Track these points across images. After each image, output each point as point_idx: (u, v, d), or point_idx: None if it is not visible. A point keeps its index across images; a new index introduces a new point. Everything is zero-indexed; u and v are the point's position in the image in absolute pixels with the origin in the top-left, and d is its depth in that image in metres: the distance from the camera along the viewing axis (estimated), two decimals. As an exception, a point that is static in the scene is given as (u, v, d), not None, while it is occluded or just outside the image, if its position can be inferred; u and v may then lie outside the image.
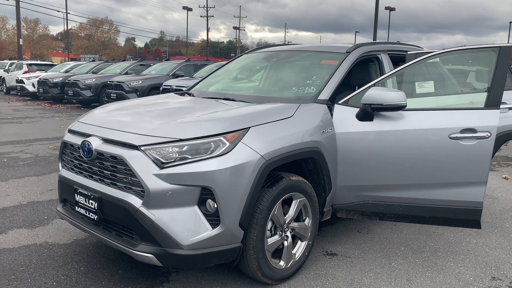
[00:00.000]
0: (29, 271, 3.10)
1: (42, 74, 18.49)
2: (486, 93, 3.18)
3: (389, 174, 3.27)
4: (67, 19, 39.54)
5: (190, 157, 2.58)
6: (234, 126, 2.72)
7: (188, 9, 54.15)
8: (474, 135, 3.09)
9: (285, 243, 3.03)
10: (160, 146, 2.61)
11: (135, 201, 2.58)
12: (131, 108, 3.40)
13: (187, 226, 2.56)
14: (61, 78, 16.70)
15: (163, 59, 20.56)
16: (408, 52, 4.09)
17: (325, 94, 3.37)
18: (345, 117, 3.30)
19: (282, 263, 3.02)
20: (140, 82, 13.60)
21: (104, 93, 14.39)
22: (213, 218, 2.59)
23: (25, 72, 20.88)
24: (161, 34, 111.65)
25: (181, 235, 2.54)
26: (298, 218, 3.16)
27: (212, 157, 2.58)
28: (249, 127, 2.75)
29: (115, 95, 13.48)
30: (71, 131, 3.18)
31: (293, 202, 3.05)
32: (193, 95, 4.00)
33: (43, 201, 4.67)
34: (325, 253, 3.54)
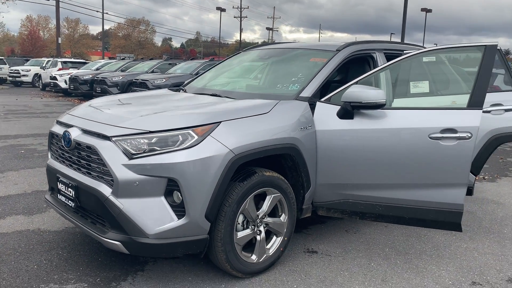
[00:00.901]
0: (15, 254, 3.26)
1: (74, 71, 19.13)
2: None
3: (369, 173, 3.24)
4: (103, 19, 40.72)
5: (158, 149, 2.65)
6: (204, 120, 2.77)
7: (222, 10, 54.67)
8: (454, 135, 3.02)
9: (258, 237, 3.06)
10: (130, 137, 2.69)
11: (106, 190, 2.67)
12: (119, 101, 3.52)
13: (153, 215, 2.64)
14: (90, 76, 17.22)
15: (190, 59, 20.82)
16: (404, 52, 4.03)
17: (308, 92, 3.37)
18: (326, 115, 3.29)
19: (254, 257, 3.04)
20: (164, 80, 13.86)
21: (130, 90, 14.76)
22: (179, 209, 2.66)
23: (59, 69, 21.67)
24: (197, 35, 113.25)
25: (147, 224, 2.62)
26: (274, 213, 3.18)
27: (179, 150, 2.64)
28: (220, 122, 2.80)
29: (139, 92, 13.79)
30: (59, 122, 3.32)
31: (267, 197, 3.07)
32: (185, 91, 4.09)
33: (47, 191, 4.86)
34: (305, 250, 3.54)
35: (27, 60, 29.30)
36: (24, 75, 25.54)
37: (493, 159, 7.93)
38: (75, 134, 2.93)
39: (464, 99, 3.10)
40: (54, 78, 19.65)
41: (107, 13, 60.24)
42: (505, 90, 4.05)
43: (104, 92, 15.60)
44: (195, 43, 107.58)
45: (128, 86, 15.24)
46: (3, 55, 46.97)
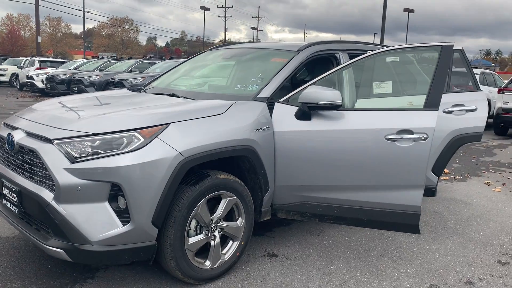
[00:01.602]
0: (-40, 262, 3.12)
1: (51, 71, 18.78)
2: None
3: (326, 175, 3.18)
4: (84, 17, 40.18)
5: (102, 152, 2.55)
6: (152, 122, 2.67)
7: (206, 9, 54.37)
8: (410, 136, 2.98)
9: (212, 242, 2.97)
10: (73, 140, 2.58)
11: (47, 195, 2.56)
12: (71, 102, 3.39)
13: (96, 222, 2.53)
14: (68, 75, 16.95)
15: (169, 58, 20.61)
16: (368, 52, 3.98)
17: (266, 92, 3.29)
18: (284, 116, 3.22)
19: (208, 263, 2.95)
20: (141, 79, 13.67)
21: (107, 90, 14.53)
22: (124, 215, 2.55)
23: (37, 69, 21.25)
24: (182, 34, 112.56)
25: (90, 231, 2.51)
26: (230, 217, 3.10)
27: (123, 153, 2.54)
28: (170, 123, 2.71)
29: (116, 92, 13.61)
30: (5, 124, 3.18)
31: (222, 201, 2.98)
32: (145, 91, 3.98)
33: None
34: (266, 254, 3.47)
35: (5, 59, 28.70)
36: (1, 75, 25.02)
37: (466, 158, 7.98)
38: (18, 137, 2.81)
39: (421, 100, 3.06)
40: (31, 77, 19.26)
41: (89, 12, 59.55)
42: (467, 91, 4.03)
43: (81, 92, 15.36)
44: (181, 43, 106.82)
45: (106, 86, 15.03)
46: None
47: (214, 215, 2.96)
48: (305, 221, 4.15)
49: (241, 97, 3.31)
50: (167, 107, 3.01)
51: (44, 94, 18.99)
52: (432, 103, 2.99)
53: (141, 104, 3.20)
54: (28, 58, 24.85)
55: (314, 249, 3.60)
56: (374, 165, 3.07)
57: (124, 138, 2.57)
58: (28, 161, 2.73)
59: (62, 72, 17.89)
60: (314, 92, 3.06)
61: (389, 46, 3.49)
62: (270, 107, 3.24)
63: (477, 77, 10.83)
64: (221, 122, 2.94)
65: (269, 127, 3.16)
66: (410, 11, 49.79)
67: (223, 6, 57.96)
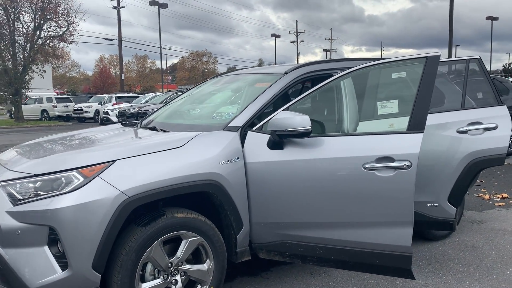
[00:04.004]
0: None
1: (124, 106, 20.00)
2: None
3: (304, 210, 2.82)
4: (161, 54, 42.76)
5: (43, 193, 2.46)
6: (94, 160, 2.54)
7: (276, 36, 55.36)
8: (391, 164, 2.54)
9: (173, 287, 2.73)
10: (17, 181, 2.53)
11: None
12: (49, 142, 3.38)
13: (36, 267, 2.42)
14: (136, 109, 17.89)
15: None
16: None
17: (239, 121, 3.04)
18: (257, 145, 2.94)
19: (170, 310, 2.71)
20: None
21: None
22: (63, 260, 2.42)
23: (114, 104, 22.80)
24: (259, 62, 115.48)
25: (29, 277, 2.41)
26: (198, 259, 2.85)
27: (61, 194, 2.43)
28: (115, 160, 2.56)
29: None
30: None
31: (183, 242, 2.74)
32: (138, 125, 3.89)
33: None
34: (250, 298, 3.14)
35: (90, 97, 31.25)
36: (86, 111, 27.18)
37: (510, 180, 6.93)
38: None
39: (404, 121, 2.61)
40: (107, 113, 20.70)
41: (169, 48, 63.34)
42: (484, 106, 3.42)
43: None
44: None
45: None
46: (74, 93, 50.46)
47: (174, 257, 2.72)
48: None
49: (211, 127, 3.09)
50: (120, 143, 2.87)
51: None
52: (416, 125, 2.54)
53: (102, 141, 3.10)
54: (107, 95, 26.80)
55: (307, 293, 3.19)
56: (353, 198, 2.66)
57: (63, 178, 2.47)
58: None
59: (132, 106, 18.95)
60: (282, 118, 2.76)
61: (378, 60, 3.07)
62: (245, 137, 2.98)
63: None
64: (178, 156, 2.73)
65: (238, 158, 2.89)
66: (493, 19, 46.47)
67: (294, 31, 58.47)
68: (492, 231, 4.45)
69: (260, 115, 3.14)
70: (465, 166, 3.22)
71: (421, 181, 3.28)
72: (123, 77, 40.58)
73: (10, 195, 2.49)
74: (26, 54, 24.55)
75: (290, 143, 2.83)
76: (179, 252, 2.73)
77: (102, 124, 23.84)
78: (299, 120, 2.69)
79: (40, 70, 25.00)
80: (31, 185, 2.49)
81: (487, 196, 5.85)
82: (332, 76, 3.55)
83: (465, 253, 3.87)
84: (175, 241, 2.74)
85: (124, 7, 36.20)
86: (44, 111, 28.95)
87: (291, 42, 61.83)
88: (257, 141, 2.94)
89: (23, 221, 2.41)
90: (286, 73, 3.38)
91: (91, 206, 2.40)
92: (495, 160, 3.21)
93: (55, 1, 24.73)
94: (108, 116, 20.56)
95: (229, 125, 3.02)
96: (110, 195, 2.44)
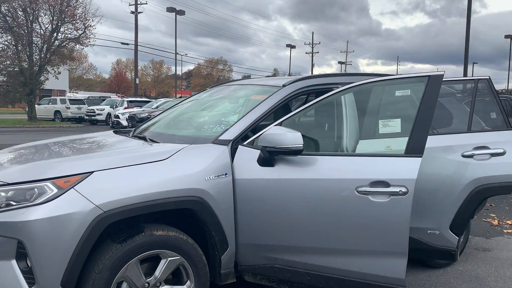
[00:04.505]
0: None
1: (134, 110, 20.04)
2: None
3: (293, 234, 2.65)
4: (175, 60, 42.94)
5: (14, 203, 2.33)
6: (70, 170, 2.41)
7: (292, 47, 55.35)
8: (386, 189, 2.36)
9: (150, 309, 2.57)
10: None
11: None
12: (35, 148, 3.27)
13: (2, 282, 2.29)
14: (146, 114, 17.87)
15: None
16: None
17: (229, 134, 2.89)
18: (247, 161, 2.78)
19: (146, 333, 2.55)
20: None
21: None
22: (31, 276, 2.28)
23: (125, 108, 22.86)
24: (275, 72, 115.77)
25: (-6, 292, 2.27)
26: (178, 280, 2.69)
27: (32, 205, 2.29)
28: (93, 172, 2.42)
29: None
30: None
31: (161, 261, 2.58)
32: (131, 134, 3.77)
33: None
34: (233, 323, 2.96)
35: (103, 100, 31.45)
36: (98, 114, 27.31)
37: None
38: None
39: (403, 143, 2.43)
40: (117, 116, 20.74)
41: (185, 55, 63.95)
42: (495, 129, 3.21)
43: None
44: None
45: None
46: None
47: (152, 277, 2.57)
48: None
49: (201, 139, 2.94)
50: (101, 154, 2.74)
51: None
52: (414, 148, 2.36)
53: (85, 150, 2.98)
54: (119, 98, 26.93)
55: (294, 320, 3.00)
56: (345, 224, 2.48)
57: (36, 189, 2.33)
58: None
59: (142, 111, 18.96)
60: (273, 134, 2.60)
61: (379, 76, 2.90)
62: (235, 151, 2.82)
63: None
64: (161, 170, 2.59)
65: (226, 174, 2.73)
66: (512, 37, 45.86)
67: (310, 42, 58.45)
68: (499, 261, 4.20)
69: (255, 128, 2.99)
70: (469, 193, 3.01)
71: (421, 206, 3.09)
72: (137, 81, 40.88)
73: (-19, 204, 2.36)
74: (42, 55, 24.82)
75: (281, 160, 2.67)
76: (157, 272, 2.57)
77: (112, 127, 23.96)
78: (291, 137, 2.53)
79: (55, 72, 25.24)
80: (3, 194, 2.36)
81: (496, 222, 5.58)
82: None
83: (468, 284, 3.64)
84: (154, 260, 2.59)
85: (142, 12, 36.66)
86: (57, 112, 29.20)
87: (306, 53, 61.86)
88: (247, 156, 2.78)
89: (-8, 232, 2.28)
90: (284, 86, 3.22)
91: (63, 219, 2.26)
92: (502, 188, 3.00)
93: (73, 4, 25.04)
94: (118, 119, 20.60)
95: (219, 138, 2.87)
96: (83, 209, 2.30)
